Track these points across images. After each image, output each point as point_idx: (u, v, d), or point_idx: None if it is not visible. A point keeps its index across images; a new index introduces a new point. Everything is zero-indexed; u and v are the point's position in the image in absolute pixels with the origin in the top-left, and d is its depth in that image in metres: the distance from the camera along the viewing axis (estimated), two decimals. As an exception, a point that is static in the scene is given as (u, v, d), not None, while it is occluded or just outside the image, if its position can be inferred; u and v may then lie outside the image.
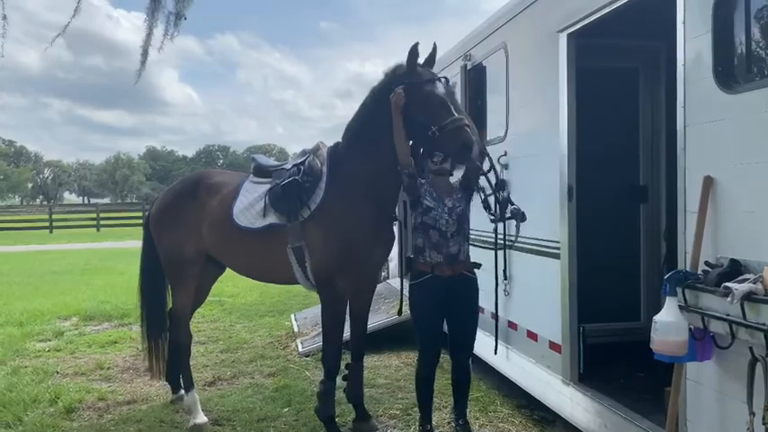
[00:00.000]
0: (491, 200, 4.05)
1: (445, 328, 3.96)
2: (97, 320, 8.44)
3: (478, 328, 4.61)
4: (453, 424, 4.05)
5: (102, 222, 31.32)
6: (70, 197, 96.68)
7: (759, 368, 2.37)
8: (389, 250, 4.39)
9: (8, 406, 4.85)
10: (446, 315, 3.88)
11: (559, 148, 3.98)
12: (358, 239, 4.00)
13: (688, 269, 2.75)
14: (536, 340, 4.39)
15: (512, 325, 4.78)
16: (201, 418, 4.42)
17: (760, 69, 2.64)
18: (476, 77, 5.64)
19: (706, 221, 2.70)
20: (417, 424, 4.08)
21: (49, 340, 7.31)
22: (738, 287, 2.29)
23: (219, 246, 4.51)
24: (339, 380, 4.28)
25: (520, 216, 3.95)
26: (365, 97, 4.12)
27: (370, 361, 5.64)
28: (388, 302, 7.05)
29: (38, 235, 28.09)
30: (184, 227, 4.55)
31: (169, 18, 6.16)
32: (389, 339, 6.32)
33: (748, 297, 2.25)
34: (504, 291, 4.83)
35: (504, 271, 4.82)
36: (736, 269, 2.47)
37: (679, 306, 2.61)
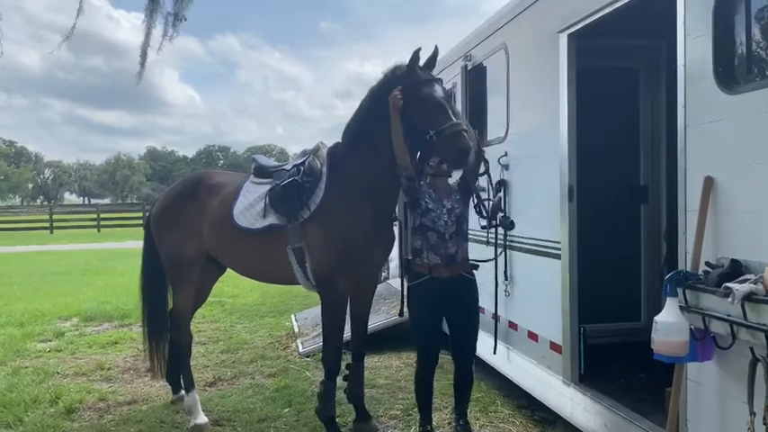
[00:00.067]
0: (485, 203, 4.05)
1: (446, 329, 3.96)
2: (98, 321, 8.44)
3: (480, 329, 4.61)
4: (454, 424, 4.05)
5: (102, 223, 31.35)
6: (71, 198, 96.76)
7: (760, 368, 2.37)
8: (389, 251, 4.39)
9: (9, 406, 4.85)
10: (445, 317, 3.88)
11: (560, 148, 3.98)
12: (358, 240, 4.00)
13: (689, 269, 2.75)
14: (537, 341, 4.39)
15: (512, 325, 4.78)
16: (202, 419, 4.42)
17: (760, 70, 2.64)
18: (476, 78, 5.64)
19: (706, 222, 2.70)
20: (418, 425, 4.07)
21: (50, 341, 7.31)
22: (739, 287, 2.29)
23: (220, 246, 4.51)
24: (340, 380, 4.28)
25: (507, 224, 3.96)
26: (364, 97, 4.12)
27: (370, 361, 5.64)
28: (389, 303, 7.05)
29: (38, 235, 28.10)
30: (185, 227, 4.55)
31: (168, 19, 6.17)
32: (390, 340, 6.32)
33: (749, 297, 2.25)
34: (505, 291, 4.83)
35: (505, 271, 4.82)
36: (736, 269, 2.47)
37: (680, 306, 2.61)
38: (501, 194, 4.09)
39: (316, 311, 6.94)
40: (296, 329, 7.47)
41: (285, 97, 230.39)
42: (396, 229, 4.39)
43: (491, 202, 4.05)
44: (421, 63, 3.87)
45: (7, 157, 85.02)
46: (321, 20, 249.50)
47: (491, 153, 4.74)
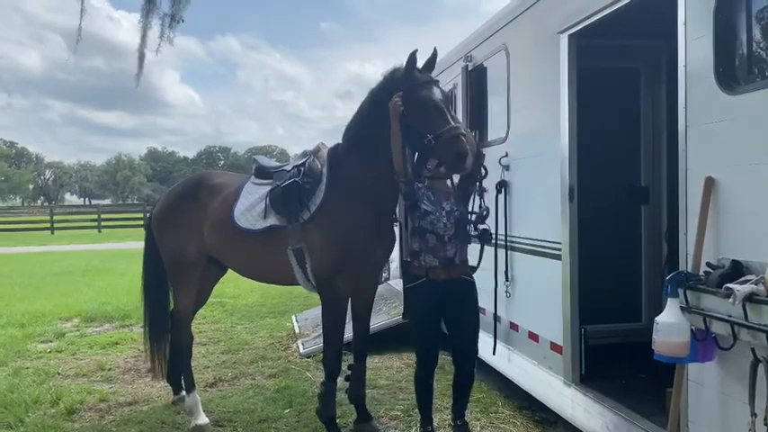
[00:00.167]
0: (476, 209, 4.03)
1: (446, 330, 3.96)
2: (98, 322, 8.45)
3: (480, 329, 4.60)
4: (452, 424, 4.04)
5: (103, 223, 31.38)
6: (71, 198, 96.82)
7: (761, 369, 2.37)
8: (390, 251, 4.39)
9: (9, 407, 4.85)
10: (444, 319, 3.87)
11: (560, 148, 3.98)
12: (358, 241, 4.00)
13: (689, 270, 2.75)
14: (537, 341, 4.39)
15: (513, 326, 4.78)
16: (203, 419, 4.42)
17: (761, 70, 2.64)
18: (477, 79, 5.64)
19: (707, 222, 2.70)
20: (418, 425, 4.07)
21: (51, 341, 7.31)
22: (740, 288, 2.28)
23: (221, 247, 4.51)
24: (341, 381, 4.28)
25: (486, 238, 3.94)
26: (364, 99, 4.12)
27: (371, 362, 5.62)
28: (390, 303, 7.05)
29: (39, 236, 28.12)
30: (186, 228, 4.56)
31: (164, 20, 6.15)
32: (391, 340, 6.32)
33: (750, 298, 2.25)
34: (506, 292, 4.83)
35: (506, 272, 4.82)
36: (737, 270, 2.47)
37: (680, 307, 2.61)
38: (486, 205, 4.04)
39: (316, 312, 6.94)
40: (296, 330, 7.47)
41: (285, 98, 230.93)
42: (396, 230, 4.39)
43: (477, 213, 3.99)
44: (419, 64, 3.87)
45: (8, 157, 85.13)
46: (321, 20, 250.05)
47: (492, 154, 4.75)
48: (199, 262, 4.62)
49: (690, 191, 2.85)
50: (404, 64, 3.82)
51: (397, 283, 7.52)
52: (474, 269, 3.94)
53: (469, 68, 5.70)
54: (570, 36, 3.90)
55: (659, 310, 2.74)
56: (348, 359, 4.42)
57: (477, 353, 3.97)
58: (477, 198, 4.06)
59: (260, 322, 8.34)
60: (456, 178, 4.00)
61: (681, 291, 2.63)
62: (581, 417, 3.85)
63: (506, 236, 4.82)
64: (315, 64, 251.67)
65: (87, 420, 4.69)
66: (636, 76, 5.34)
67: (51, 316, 8.70)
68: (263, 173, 4.45)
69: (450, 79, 6.18)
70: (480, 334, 4.06)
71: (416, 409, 4.10)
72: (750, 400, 2.40)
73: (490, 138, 5.39)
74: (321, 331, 4.47)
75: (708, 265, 2.65)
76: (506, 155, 4.83)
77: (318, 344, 5.89)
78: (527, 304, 4.62)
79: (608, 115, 5.04)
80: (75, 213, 39.38)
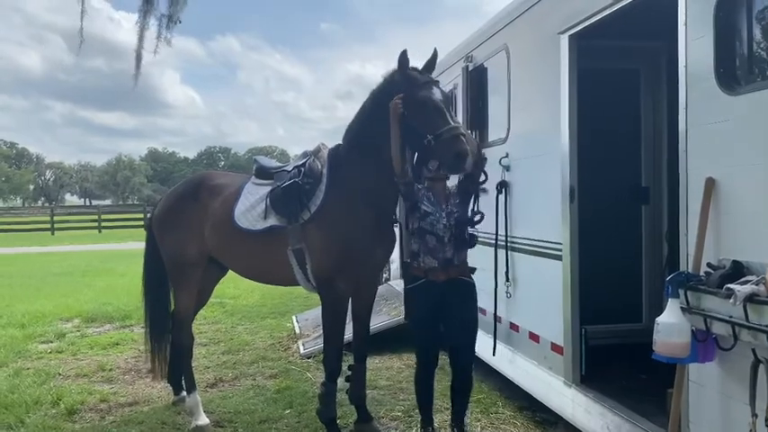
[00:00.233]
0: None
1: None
2: (99, 322, 8.45)
3: (481, 330, 4.59)
4: (449, 429, 4.00)
5: (103, 224, 31.39)
6: (72, 199, 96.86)
7: (762, 370, 2.37)
8: (390, 252, 4.39)
9: (10, 408, 4.85)
10: (442, 320, 3.84)
11: (561, 149, 3.98)
12: (358, 241, 4.00)
13: (690, 271, 2.75)
14: (538, 342, 4.39)
15: (514, 327, 4.78)
16: (203, 420, 4.42)
17: (761, 71, 2.64)
18: (477, 79, 5.64)
19: (708, 223, 2.70)
20: (419, 426, 4.07)
21: (51, 342, 7.31)
22: (741, 289, 2.28)
23: (221, 247, 4.51)
24: (341, 381, 4.28)
25: (471, 243, 3.88)
26: (365, 100, 4.12)
27: (371, 362, 5.63)
28: (390, 304, 7.05)
29: (39, 237, 28.13)
30: (187, 229, 4.56)
31: (162, 21, 6.14)
32: (391, 341, 6.32)
33: (751, 299, 2.25)
34: (506, 292, 4.83)
35: (506, 272, 4.82)
36: (738, 271, 2.46)
37: (681, 308, 2.61)
38: (478, 209, 4.01)
39: (317, 313, 6.94)
40: (297, 331, 7.47)
41: (286, 98, 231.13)
42: (396, 231, 4.39)
43: (469, 217, 3.93)
44: (418, 63, 3.87)
45: (8, 158, 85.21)
46: (321, 21, 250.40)
47: (492, 154, 4.74)
48: (199, 262, 4.62)
49: (690, 191, 2.84)
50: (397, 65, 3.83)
51: (397, 284, 7.52)
52: (473, 270, 3.93)
53: (470, 69, 5.70)
54: (571, 36, 3.90)
55: (660, 310, 2.74)
56: (348, 360, 4.42)
57: (473, 355, 3.95)
58: (474, 201, 4.02)
59: (260, 323, 8.34)
60: (455, 180, 3.98)
61: (681, 291, 2.63)
62: (581, 417, 3.85)
63: (507, 236, 4.82)
64: (315, 64, 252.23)
65: (88, 421, 4.69)
66: (636, 76, 5.34)
67: (52, 316, 8.70)
68: (263, 173, 4.45)
69: (450, 80, 6.18)
70: (481, 334, 4.06)
71: (417, 410, 4.10)
72: (751, 400, 2.40)
73: (490, 138, 5.39)
74: (321, 332, 4.46)
75: (708, 265, 2.65)
76: (507, 155, 4.83)
77: (319, 344, 5.89)
78: (527, 305, 4.62)
79: (608, 116, 5.05)
80: (75, 214, 39.42)
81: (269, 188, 4.27)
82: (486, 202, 4.69)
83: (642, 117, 5.35)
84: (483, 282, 4.22)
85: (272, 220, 4.17)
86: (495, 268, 4.88)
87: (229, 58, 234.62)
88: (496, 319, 4.96)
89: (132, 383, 5.61)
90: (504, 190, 4.83)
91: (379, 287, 6.16)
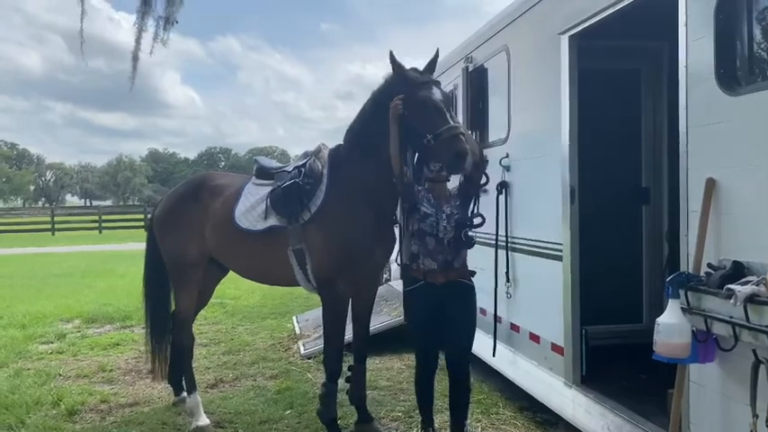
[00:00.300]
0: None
1: None
2: (99, 323, 8.45)
3: (481, 330, 4.60)
4: (450, 430, 3.96)
5: (103, 225, 31.40)
6: (72, 199, 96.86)
7: (762, 370, 2.36)
8: (390, 252, 4.38)
9: (11, 408, 4.85)
10: (441, 322, 3.80)
11: (561, 149, 3.98)
12: (358, 241, 4.00)
13: (690, 271, 2.75)
14: (538, 342, 4.39)
15: (514, 327, 4.78)
16: (204, 421, 4.42)
17: (762, 71, 2.64)
18: (477, 79, 5.64)
19: (708, 223, 2.70)
20: (419, 427, 4.07)
21: (52, 343, 7.31)
22: (741, 289, 2.28)
23: (221, 247, 4.51)
24: (341, 382, 4.28)
25: (471, 242, 3.83)
26: (366, 101, 4.12)
27: (372, 363, 5.63)
28: (390, 304, 7.05)
29: (40, 237, 28.14)
30: (187, 229, 4.56)
31: (159, 22, 6.14)
32: (391, 341, 6.32)
33: (751, 299, 2.25)
34: (507, 293, 4.83)
35: (507, 273, 4.82)
36: (738, 271, 2.46)
37: (682, 308, 2.61)
38: (478, 211, 3.98)
39: (317, 313, 6.95)
40: (297, 331, 7.47)
41: (286, 99, 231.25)
42: (396, 231, 4.39)
43: (470, 220, 3.88)
44: (414, 64, 3.87)
45: (9, 159, 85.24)
46: (321, 21, 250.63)
47: (492, 154, 4.75)
48: (200, 263, 4.62)
49: (691, 192, 2.84)
50: (405, 66, 3.84)
51: (398, 284, 7.52)
52: (473, 273, 3.89)
53: (470, 69, 5.71)
54: (571, 37, 3.90)
55: (660, 311, 2.74)
56: (349, 360, 4.42)
57: (469, 359, 3.88)
58: (474, 203, 3.99)
59: (261, 323, 8.34)
60: (456, 181, 3.96)
61: (682, 292, 2.63)
62: (582, 418, 3.85)
63: (507, 237, 4.82)
64: (315, 65, 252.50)
65: (88, 421, 4.69)
66: (637, 76, 5.34)
67: (52, 317, 8.70)
68: (264, 174, 4.46)
69: (450, 80, 6.18)
70: (481, 335, 4.06)
71: (417, 411, 4.10)
72: (751, 401, 2.40)
73: (491, 139, 5.39)
74: (322, 332, 4.47)
75: (709, 266, 2.65)
76: (507, 156, 4.83)
77: (319, 345, 5.89)
78: (528, 305, 4.62)
79: (609, 116, 5.05)
80: (75, 215, 39.46)
81: (269, 188, 4.27)
82: (487, 203, 4.69)
83: (642, 117, 5.35)
84: (483, 282, 4.22)
85: (273, 221, 4.18)
86: (496, 269, 4.88)
87: (229, 59, 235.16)
88: (497, 319, 4.96)
89: (133, 384, 5.61)
90: (504, 190, 4.83)
91: (380, 287, 6.16)
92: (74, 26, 5.90)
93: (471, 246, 3.85)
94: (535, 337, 4.44)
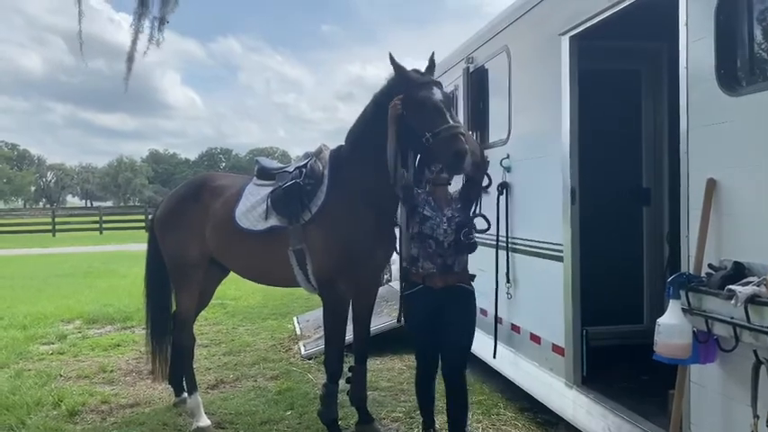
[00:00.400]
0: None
1: None
2: (100, 323, 8.45)
3: (482, 331, 4.59)
4: None
5: (104, 225, 31.41)
6: (73, 200, 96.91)
7: (763, 371, 2.36)
8: (391, 253, 4.38)
9: (11, 409, 4.85)
10: (439, 326, 3.72)
11: (562, 150, 3.98)
12: (359, 242, 4.00)
13: (691, 272, 2.75)
14: (539, 343, 4.38)
15: (515, 328, 4.77)
16: (204, 421, 4.42)
17: (762, 72, 2.64)
18: (478, 80, 5.64)
19: (709, 224, 2.70)
20: (420, 428, 4.07)
21: (53, 343, 7.32)
22: (742, 290, 2.28)
23: (222, 248, 4.52)
24: (342, 383, 4.28)
25: (473, 247, 3.75)
26: (368, 102, 4.12)
27: (372, 364, 5.63)
28: (391, 305, 7.05)
29: (41, 238, 28.15)
30: (188, 229, 4.57)
31: (153, 23, 6.15)
32: (392, 342, 6.31)
33: (752, 300, 2.25)
34: (507, 294, 4.83)
35: (507, 274, 4.82)
36: (739, 272, 2.46)
37: (682, 309, 2.61)
38: (485, 216, 3.95)
39: (317, 314, 6.95)
40: (298, 332, 7.47)
41: (287, 100, 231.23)
42: (397, 232, 4.39)
43: (471, 223, 3.81)
44: (415, 65, 3.88)
45: (10, 160, 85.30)
46: (322, 22, 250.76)
47: (493, 155, 4.74)
48: (201, 263, 4.63)
49: (691, 192, 2.84)
50: (406, 67, 3.84)
51: (398, 285, 7.51)
52: (473, 278, 3.83)
53: (471, 70, 5.71)
54: (571, 38, 3.90)
55: (661, 311, 2.74)
56: (349, 361, 4.42)
57: (465, 365, 3.80)
58: (475, 206, 3.95)
59: (261, 324, 8.34)
60: (459, 185, 3.94)
61: (683, 292, 2.63)
62: (583, 418, 3.84)
63: (507, 237, 4.82)
64: (316, 66, 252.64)
65: (89, 422, 4.70)
66: (637, 77, 5.34)
67: (53, 318, 8.70)
68: (265, 174, 4.46)
69: (451, 81, 6.18)
70: (482, 336, 4.05)
71: (418, 411, 4.09)
72: (752, 401, 2.40)
73: (491, 139, 5.39)
74: (322, 333, 4.46)
75: (710, 266, 2.65)
76: (507, 156, 4.83)
77: (320, 345, 5.89)
78: (529, 306, 4.62)
79: (609, 117, 5.05)
80: (76, 215, 39.50)
81: (270, 189, 4.28)
82: (487, 204, 4.69)
83: (643, 118, 5.35)
84: (484, 283, 4.22)
85: (273, 221, 4.18)
86: (497, 269, 4.87)
87: (230, 60, 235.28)
88: (497, 320, 4.95)
89: (133, 385, 5.61)
90: (504, 191, 4.83)
91: (380, 288, 6.16)
92: (74, 27, 5.90)
93: (473, 250, 3.77)
94: (536, 338, 4.44)
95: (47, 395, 5.19)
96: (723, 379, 2.68)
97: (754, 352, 2.37)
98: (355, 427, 4.36)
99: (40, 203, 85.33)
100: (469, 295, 3.78)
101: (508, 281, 4.81)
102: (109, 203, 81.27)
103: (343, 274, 4.06)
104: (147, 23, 6.08)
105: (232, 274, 4.96)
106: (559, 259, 4.06)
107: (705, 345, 2.63)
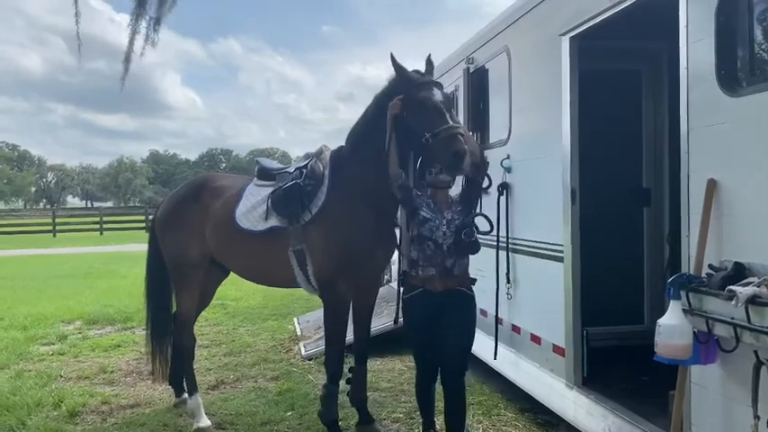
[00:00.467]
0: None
1: None
2: (100, 324, 8.45)
3: (482, 332, 4.59)
4: None
5: (105, 226, 31.43)
6: (73, 201, 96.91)
7: (764, 372, 2.36)
8: (391, 254, 4.38)
9: (12, 410, 4.85)
10: (437, 330, 3.66)
11: (562, 150, 3.98)
12: (359, 243, 3.99)
13: (692, 272, 2.75)
14: (539, 344, 4.38)
15: (515, 328, 4.77)
16: (205, 422, 4.42)
17: (763, 72, 2.64)
18: (478, 80, 5.64)
19: (710, 224, 2.70)
20: (421, 428, 4.06)
21: (53, 344, 7.32)
22: (743, 290, 2.28)
23: (222, 248, 4.52)
24: (342, 383, 4.27)
25: (476, 247, 3.69)
26: (369, 103, 4.12)
27: (372, 364, 5.63)
28: (391, 306, 7.03)
29: (41, 239, 28.14)
30: (188, 230, 4.57)
31: (150, 23, 6.15)
32: (392, 343, 6.31)
33: (753, 300, 2.25)
34: (508, 294, 4.83)
35: (508, 274, 4.82)
36: (740, 272, 2.46)
37: (683, 309, 2.61)
38: (488, 218, 3.92)
39: (318, 314, 6.95)
40: (298, 332, 7.47)
41: (287, 100, 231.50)
42: (397, 232, 4.38)
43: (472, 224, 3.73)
44: (415, 66, 3.88)
45: (10, 160, 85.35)
46: (322, 23, 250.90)
47: (493, 156, 4.74)
48: (201, 264, 4.63)
49: (692, 193, 2.84)
50: (407, 68, 3.84)
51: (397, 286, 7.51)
52: (474, 281, 3.80)
53: (471, 70, 5.71)
54: (572, 38, 3.90)
55: (661, 312, 2.74)
56: (350, 361, 4.42)
57: (464, 370, 3.73)
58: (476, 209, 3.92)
59: (262, 325, 8.34)
60: (459, 187, 3.92)
61: (683, 293, 2.62)
62: (583, 419, 3.84)
63: (508, 238, 4.82)
64: (316, 67, 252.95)
65: (89, 423, 4.69)
66: (637, 77, 5.34)
67: (53, 318, 8.70)
68: (265, 174, 4.46)
69: (451, 81, 6.18)
70: (482, 336, 4.05)
71: (418, 412, 4.09)
72: (753, 402, 2.40)
73: (492, 140, 5.39)
74: (323, 334, 4.46)
75: (710, 267, 2.64)
76: (508, 157, 4.83)
77: (320, 346, 5.89)
78: (529, 306, 4.62)
79: (610, 117, 5.05)
80: (77, 216, 39.49)
81: (270, 189, 4.28)
82: (488, 204, 4.69)
83: (643, 118, 5.35)
84: (484, 284, 4.21)
85: (274, 221, 4.18)
86: (497, 270, 4.87)
87: (230, 60, 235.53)
88: (498, 320, 4.95)
89: (134, 385, 5.61)
90: (505, 191, 4.83)
91: (381, 289, 6.15)
92: (74, 28, 5.89)
93: (476, 250, 3.70)
94: (536, 339, 4.43)
95: (47, 396, 5.19)
96: (724, 380, 2.67)
97: (755, 353, 2.37)
98: (356, 428, 4.36)
99: (41, 204, 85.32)
100: (469, 300, 3.73)
101: (508, 281, 4.81)
102: (109, 204, 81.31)
103: (344, 275, 4.06)
104: (143, 24, 6.08)
105: (232, 275, 4.96)
106: (560, 260, 4.06)
107: (706, 345, 2.62)
